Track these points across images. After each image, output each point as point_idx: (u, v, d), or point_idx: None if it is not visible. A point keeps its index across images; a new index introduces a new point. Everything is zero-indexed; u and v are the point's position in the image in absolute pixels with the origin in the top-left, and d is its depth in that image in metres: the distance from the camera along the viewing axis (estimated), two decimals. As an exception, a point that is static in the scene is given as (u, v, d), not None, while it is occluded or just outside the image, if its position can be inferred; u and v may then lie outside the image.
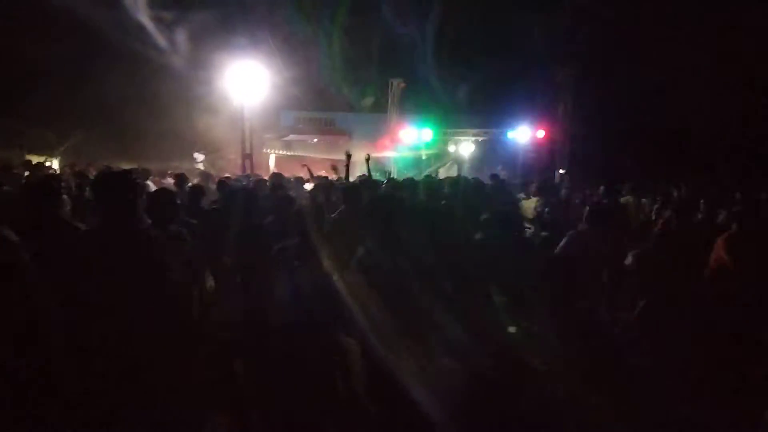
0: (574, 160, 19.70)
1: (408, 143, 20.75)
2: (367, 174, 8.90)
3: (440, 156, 23.47)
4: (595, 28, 22.06)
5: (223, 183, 7.20)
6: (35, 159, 15.92)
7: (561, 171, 18.94)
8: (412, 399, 3.15)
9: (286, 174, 12.59)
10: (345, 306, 3.49)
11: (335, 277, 3.79)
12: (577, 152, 19.81)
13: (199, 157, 21.09)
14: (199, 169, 14.17)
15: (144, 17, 15.23)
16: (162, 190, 4.68)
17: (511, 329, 3.73)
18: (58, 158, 19.69)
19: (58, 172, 13.29)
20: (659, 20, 22.27)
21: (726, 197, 8.21)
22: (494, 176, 10.02)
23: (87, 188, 6.99)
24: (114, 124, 21.52)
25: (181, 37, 16.93)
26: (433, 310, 3.42)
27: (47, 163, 16.30)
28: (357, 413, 3.69)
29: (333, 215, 5.74)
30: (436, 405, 3.22)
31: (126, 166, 12.99)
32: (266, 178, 11.85)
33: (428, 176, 9.99)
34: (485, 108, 22.94)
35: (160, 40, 15.96)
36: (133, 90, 20.24)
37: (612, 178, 10.98)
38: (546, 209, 7.51)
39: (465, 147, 22.22)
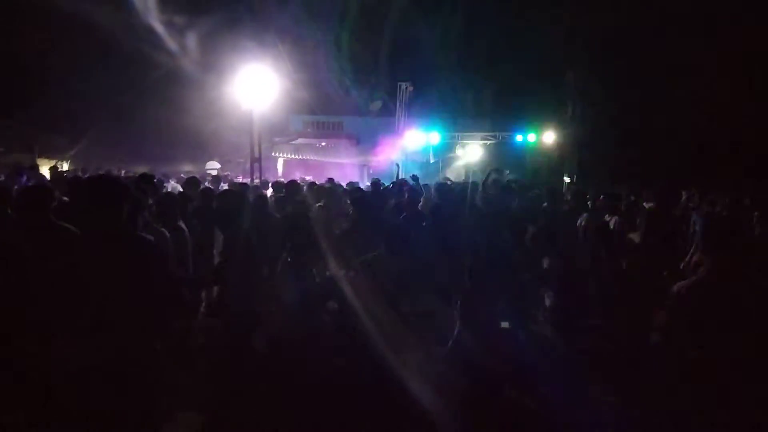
0: (581, 164, 19.64)
1: (416, 147, 20.76)
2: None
3: (448, 159, 23.48)
4: (603, 33, 22.08)
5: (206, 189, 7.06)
6: (46, 163, 16.09)
7: (566, 179, 18.79)
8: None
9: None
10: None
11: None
12: (584, 156, 19.75)
13: (214, 165, 21.26)
14: (211, 174, 14.33)
15: (155, 22, 15.37)
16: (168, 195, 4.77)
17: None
18: (69, 161, 19.87)
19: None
20: (667, 23, 22.24)
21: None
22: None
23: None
24: (124, 128, 21.72)
25: (191, 41, 17.08)
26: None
27: (58, 167, 16.47)
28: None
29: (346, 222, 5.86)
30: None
31: (139, 169, 13.13)
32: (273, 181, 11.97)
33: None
34: (493, 112, 22.97)
35: (171, 44, 16.10)
36: (144, 94, 20.43)
37: (621, 182, 10.96)
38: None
39: (473, 150, 22.20)
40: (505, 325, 3.78)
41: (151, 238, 2.94)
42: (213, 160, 22.18)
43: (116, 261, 2.66)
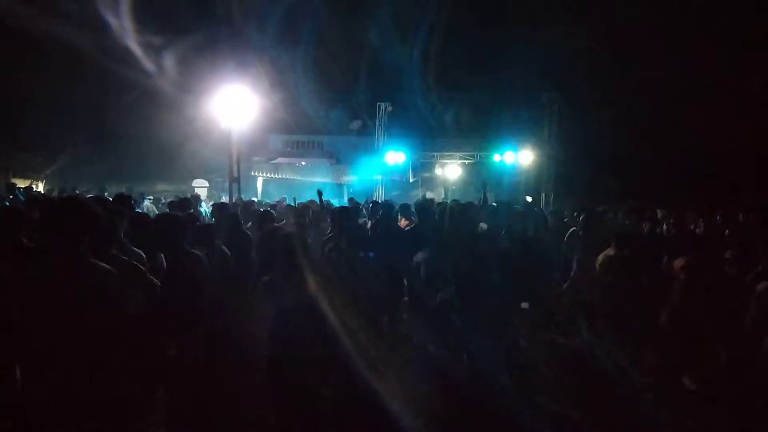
0: (558, 182, 19.94)
1: (395, 165, 20.91)
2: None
3: (427, 179, 23.67)
4: (578, 53, 22.56)
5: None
6: (21, 182, 15.86)
7: (528, 198, 18.77)
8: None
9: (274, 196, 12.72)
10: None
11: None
12: (561, 175, 20.07)
13: (202, 183, 21.15)
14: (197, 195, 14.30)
15: (132, 42, 15.33)
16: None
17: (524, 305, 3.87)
18: (44, 181, 19.61)
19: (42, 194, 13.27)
20: (642, 43, 22.84)
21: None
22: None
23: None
24: (101, 148, 21.51)
25: (169, 61, 17.04)
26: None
27: (33, 187, 16.24)
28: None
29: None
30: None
31: (115, 188, 13.03)
32: (253, 200, 11.94)
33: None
34: (471, 132, 23.23)
35: (149, 64, 16.05)
36: (122, 113, 20.30)
37: (597, 201, 11.16)
38: None
39: (451, 170, 22.43)
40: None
41: (105, 266, 2.81)
42: (198, 178, 22.08)
43: (61, 289, 2.62)
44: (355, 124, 25.63)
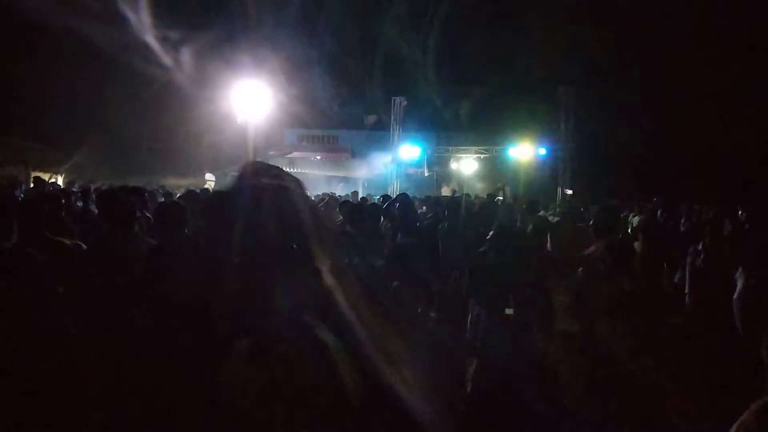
0: (575, 177, 19.74)
1: (410, 160, 20.86)
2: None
3: (443, 173, 23.58)
4: (596, 45, 22.30)
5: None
6: (40, 176, 16.06)
7: (568, 191, 18.86)
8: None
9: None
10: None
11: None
12: (578, 169, 19.86)
13: (211, 176, 21.26)
14: (207, 188, 14.36)
15: (149, 37, 15.44)
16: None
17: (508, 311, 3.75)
18: (62, 175, 19.84)
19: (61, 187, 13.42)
20: (659, 34, 22.53)
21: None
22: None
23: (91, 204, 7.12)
24: (118, 142, 21.72)
25: (187, 55, 17.14)
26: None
27: (51, 180, 16.43)
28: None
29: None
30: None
31: (131, 182, 13.12)
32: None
33: None
34: (487, 125, 23.10)
35: (166, 59, 16.16)
36: (138, 108, 20.46)
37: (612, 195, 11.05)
38: None
39: (467, 164, 22.32)
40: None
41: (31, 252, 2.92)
42: (208, 172, 22.18)
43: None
44: (370, 119, 25.64)
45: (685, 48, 21.58)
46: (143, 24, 15.00)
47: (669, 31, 22.25)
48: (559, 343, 3.71)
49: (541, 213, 8.53)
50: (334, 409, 1.21)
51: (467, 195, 11.87)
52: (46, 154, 19.97)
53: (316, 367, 1.25)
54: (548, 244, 6.58)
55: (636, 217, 9.31)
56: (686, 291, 5.69)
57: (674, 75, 21.69)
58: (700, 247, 5.47)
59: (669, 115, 21.72)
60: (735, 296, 4.46)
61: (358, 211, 5.07)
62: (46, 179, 14.26)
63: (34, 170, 17.67)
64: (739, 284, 4.45)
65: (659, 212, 8.09)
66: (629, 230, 8.40)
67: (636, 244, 5.89)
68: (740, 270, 4.55)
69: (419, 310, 4.21)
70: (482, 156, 21.64)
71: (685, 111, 20.88)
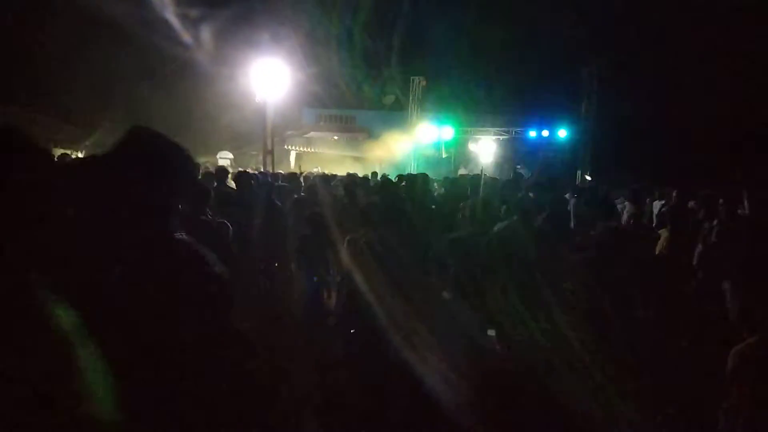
0: (594, 160, 19.49)
1: (428, 141, 20.73)
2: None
3: (460, 154, 23.42)
4: (619, 28, 21.84)
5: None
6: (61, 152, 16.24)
7: (587, 177, 18.65)
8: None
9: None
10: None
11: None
12: (598, 152, 19.59)
13: (226, 154, 21.28)
14: (221, 165, 14.35)
15: (169, 14, 15.42)
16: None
17: (490, 332, 3.69)
18: (83, 152, 20.04)
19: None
20: (683, 17, 21.97)
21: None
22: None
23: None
24: (138, 120, 21.83)
25: (206, 34, 17.13)
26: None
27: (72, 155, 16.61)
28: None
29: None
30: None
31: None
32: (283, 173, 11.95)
33: None
34: (506, 107, 22.83)
35: (185, 37, 16.16)
36: (158, 86, 20.54)
37: (635, 179, 10.85)
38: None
39: (485, 146, 22.12)
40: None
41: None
42: (226, 150, 22.22)
43: None
44: (389, 99, 25.47)
45: (712, 32, 21.01)
46: (163, 1, 14.99)
47: (697, 11, 21.65)
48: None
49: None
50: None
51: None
52: (69, 132, 20.18)
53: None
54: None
55: (656, 202, 9.08)
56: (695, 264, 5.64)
57: (701, 57, 21.15)
58: (714, 223, 5.43)
59: (695, 100, 21.23)
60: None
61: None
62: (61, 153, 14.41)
63: (56, 147, 17.87)
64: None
65: (691, 202, 7.66)
66: (653, 216, 8.20)
67: (662, 231, 5.78)
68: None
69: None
70: (501, 138, 21.43)
71: (711, 95, 20.38)
